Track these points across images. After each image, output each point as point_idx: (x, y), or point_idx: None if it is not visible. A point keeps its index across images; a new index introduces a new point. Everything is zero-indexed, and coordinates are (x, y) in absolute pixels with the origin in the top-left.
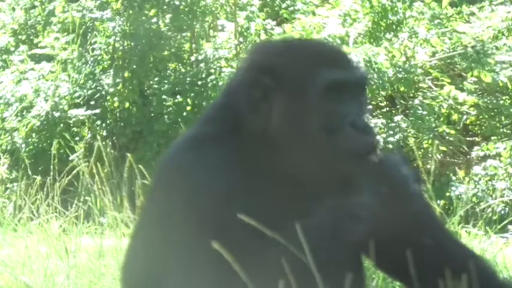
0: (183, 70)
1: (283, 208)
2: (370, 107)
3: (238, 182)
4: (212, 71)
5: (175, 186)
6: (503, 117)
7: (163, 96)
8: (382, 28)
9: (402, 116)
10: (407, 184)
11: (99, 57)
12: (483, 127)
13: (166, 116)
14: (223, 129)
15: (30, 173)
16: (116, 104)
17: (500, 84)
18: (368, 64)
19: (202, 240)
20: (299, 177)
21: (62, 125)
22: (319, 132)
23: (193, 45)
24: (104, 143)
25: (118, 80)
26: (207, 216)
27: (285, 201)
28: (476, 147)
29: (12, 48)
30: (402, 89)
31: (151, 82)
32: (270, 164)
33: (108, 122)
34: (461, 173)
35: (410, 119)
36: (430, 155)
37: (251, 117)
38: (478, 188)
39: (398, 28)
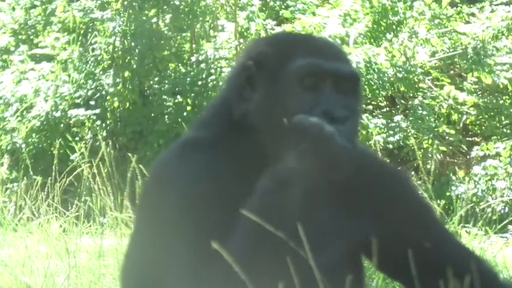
0: (183, 70)
1: None
2: (367, 107)
3: (228, 184)
4: (212, 71)
5: (164, 192)
6: (503, 117)
7: (164, 96)
8: (382, 28)
9: (402, 116)
10: (322, 130)
11: (99, 57)
12: (483, 127)
13: (166, 116)
14: (216, 129)
15: (31, 173)
16: (116, 104)
17: (501, 86)
18: (368, 64)
19: (194, 241)
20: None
21: (62, 125)
22: (291, 120)
23: (194, 46)
24: (104, 143)
25: (118, 80)
26: (197, 220)
27: None
28: (476, 147)
29: (12, 48)
30: (402, 89)
31: (151, 82)
32: (259, 156)
33: (108, 122)
34: (461, 173)
35: (410, 119)
36: (430, 155)
37: (237, 104)
38: (478, 188)
39: (399, 28)
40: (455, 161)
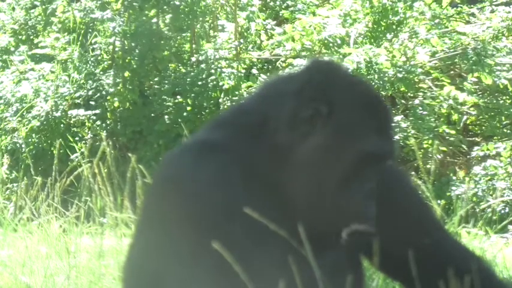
0: (183, 70)
1: (280, 223)
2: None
3: (239, 192)
4: (212, 71)
5: (176, 192)
6: (503, 118)
7: (164, 97)
8: (383, 28)
9: (402, 116)
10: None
11: (99, 57)
12: (483, 127)
13: (166, 116)
14: (237, 134)
15: (32, 173)
16: (116, 104)
17: (501, 86)
18: (369, 65)
19: (201, 244)
20: (299, 205)
21: (62, 125)
22: (335, 186)
23: (194, 46)
24: (105, 142)
25: (118, 80)
26: (205, 224)
27: (282, 218)
28: (476, 147)
29: (12, 48)
30: (402, 89)
31: (151, 82)
32: (279, 180)
33: (108, 122)
34: (461, 173)
35: (411, 119)
36: (430, 155)
37: (286, 131)
38: (478, 188)
39: (399, 28)
40: (456, 161)
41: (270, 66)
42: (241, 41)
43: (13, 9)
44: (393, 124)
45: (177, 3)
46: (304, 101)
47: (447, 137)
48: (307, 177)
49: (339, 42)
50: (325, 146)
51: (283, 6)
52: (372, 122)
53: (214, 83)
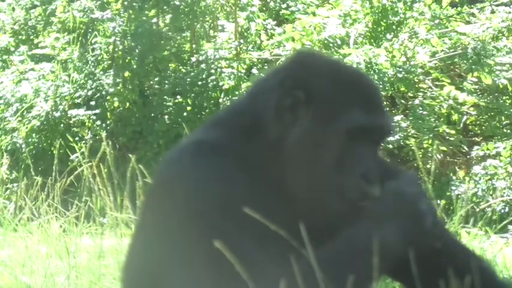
0: (183, 70)
1: (282, 221)
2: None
3: (238, 191)
4: (212, 71)
5: (175, 192)
6: (503, 117)
7: (164, 96)
8: (382, 28)
9: (402, 116)
10: (422, 218)
11: (99, 57)
12: (483, 127)
13: (166, 116)
14: (232, 134)
15: (32, 173)
16: (116, 104)
17: (501, 86)
18: (369, 65)
19: (200, 244)
20: (299, 198)
21: (62, 125)
22: (329, 168)
23: (194, 46)
24: (104, 143)
25: (118, 80)
26: (204, 223)
27: (284, 216)
28: (476, 147)
29: (12, 48)
30: (402, 89)
31: (151, 82)
32: (276, 176)
33: (108, 122)
34: (461, 173)
35: (410, 119)
36: (430, 155)
37: (273, 124)
38: (478, 188)
39: (399, 28)
40: (456, 161)
41: (270, 66)
42: (241, 41)
43: (13, 9)
44: (381, 99)
45: (177, 3)
46: (283, 91)
47: (447, 137)
48: (300, 166)
49: (339, 42)
50: (310, 131)
51: (283, 6)
52: (356, 98)
53: (214, 83)
